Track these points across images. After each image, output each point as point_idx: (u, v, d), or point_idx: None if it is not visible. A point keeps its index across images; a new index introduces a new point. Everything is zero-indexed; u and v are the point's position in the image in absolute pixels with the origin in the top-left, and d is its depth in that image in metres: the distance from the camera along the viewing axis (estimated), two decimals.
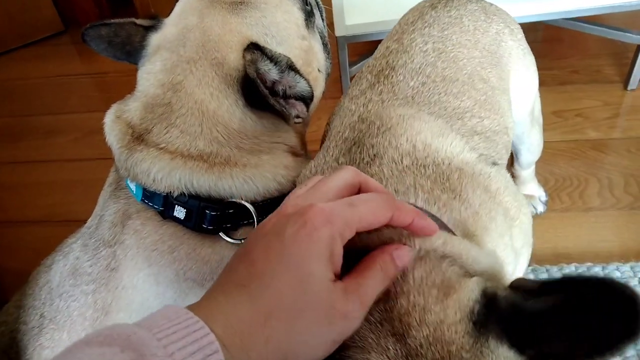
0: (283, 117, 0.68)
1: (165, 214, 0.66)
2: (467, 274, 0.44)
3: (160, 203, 0.66)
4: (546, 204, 1.23)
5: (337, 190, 0.43)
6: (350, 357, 0.41)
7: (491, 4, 0.91)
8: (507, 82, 0.86)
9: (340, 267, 0.40)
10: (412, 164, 0.58)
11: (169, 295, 0.67)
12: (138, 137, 0.67)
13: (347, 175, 0.45)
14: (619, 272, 1.05)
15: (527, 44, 0.93)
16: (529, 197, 1.24)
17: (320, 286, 0.38)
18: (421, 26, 0.79)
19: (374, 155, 0.59)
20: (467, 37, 0.79)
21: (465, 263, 0.46)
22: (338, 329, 0.39)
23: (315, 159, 0.67)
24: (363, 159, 0.60)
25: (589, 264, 1.07)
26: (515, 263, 0.68)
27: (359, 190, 0.45)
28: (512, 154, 1.11)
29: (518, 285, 0.42)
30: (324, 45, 0.80)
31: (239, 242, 0.67)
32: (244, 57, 0.64)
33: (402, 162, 0.58)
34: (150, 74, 0.69)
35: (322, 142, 0.76)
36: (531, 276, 1.06)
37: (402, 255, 0.42)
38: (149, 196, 0.67)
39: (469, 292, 0.41)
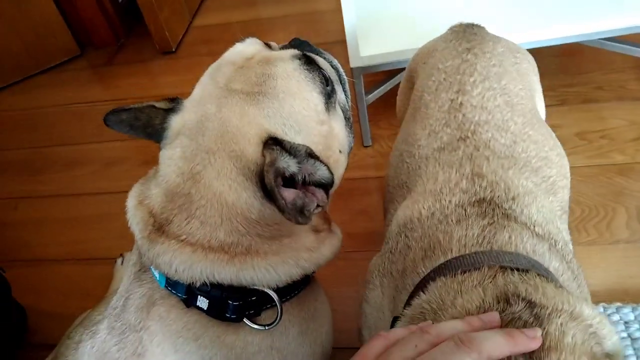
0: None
1: (189, 302, 0.66)
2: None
3: (183, 291, 0.66)
4: None
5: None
6: None
7: (507, 40, 0.92)
8: None
9: None
10: (543, 232, 0.61)
11: None
12: (159, 228, 0.67)
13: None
14: None
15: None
16: None
17: None
18: (480, 79, 0.78)
19: (508, 215, 0.61)
20: (519, 86, 0.80)
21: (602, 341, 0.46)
22: None
23: (423, 199, 0.68)
24: (497, 215, 0.61)
25: (618, 304, 1.05)
26: None
27: None
28: None
29: None
30: (346, 119, 0.78)
31: (262, 328, 0.66)
32: (263, 155, 0.63)
33: (534, 229, 0.61)
34: (171, 159, 0.68)
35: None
36: None
37: None
38: (172, 284, 0.67)
39: None
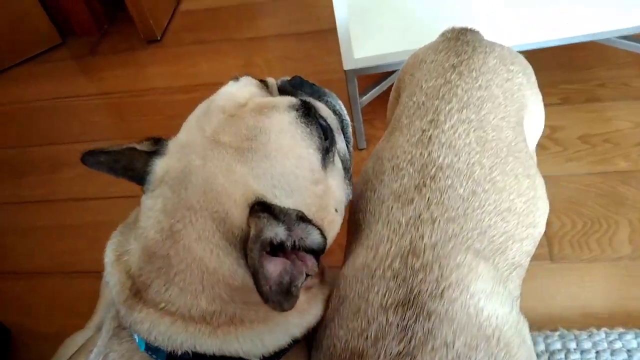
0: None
1: None
2: None
3: (164, 357, 0.62)
4: None
5: None
6: None
7: (502, 47, 0.86)
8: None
9: None
10: (464, 345, 0.56)
11: None
12: (137, 294, 0.62)
13: None
14: None
15: (536, 81, 0.90)
16: None
17: None
18: (458, 107, 0.73)
19: (428, 331, 0.56)
20: (501, 115, 0.75)
21: None
22: None
23: (355, 274, 0.63)
24: (417, 332, 0.56)
25: (620, 329, 1.02)
26: None
27: None
28: None
29: None
30: (346, 170, 0.72)
31: None
32: (248, 223, 0.57)
33: (454, 346, 0.55)
34: (152, 211, 0.63)
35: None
36: (558, 344, 1.01)
37: None
38: (152, 349, 0.63)
39: None
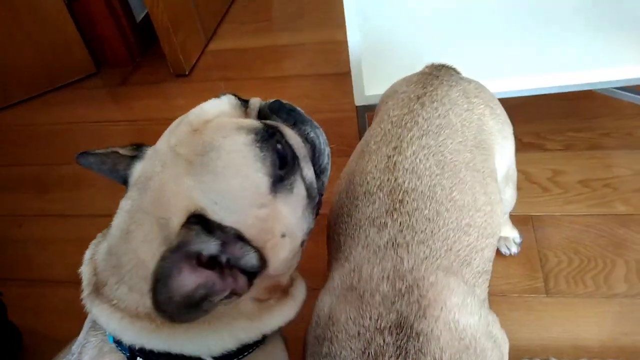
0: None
1: None
2: None
3: (127, 350, 0.65)
4: (519, 245, 1.26)
5: None
6: None
7: (470, 82, 0.94)
8: (493, 164, 0.89)
9: None
10: (450, 359, 0.61)
11: None
12: (97, 289, 0.66)
13: None
14: None
15: (505, 114, 0.96)
16: (504, 239, 1.26)
17: None
18: (418, 134, 0.80)
19: (419, 349, 0.61)
20: (458, 139, 0.82)
21: None
22: None
23: (345, 298, 0.68)
24: (410, 351, 0.61)
25: None
26: None
27: None
28: None
29: None
30: (310, 199, 0.72)
31: None
32: (179, 234, 0.58)
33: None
34: (122, 210, 0.67)
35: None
36: None
37: None
38: (117, 341, 0.66)
39: None
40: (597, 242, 1.26)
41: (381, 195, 0.75)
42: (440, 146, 0.79)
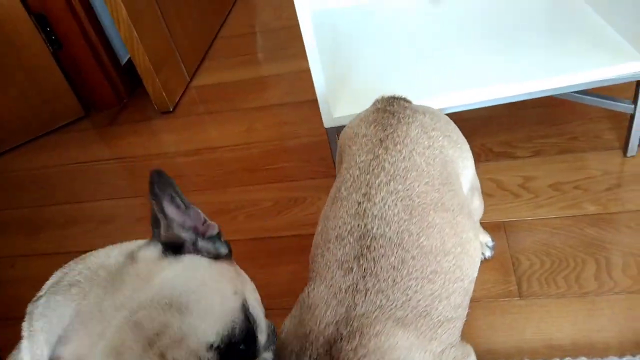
0: None
1: None
2: None
3: None
4: (493, 248, 1.28)
5: None
6: None
7: (424, 113, 0.95)
8: (463, 196, 0.90)
9: None
10: None
11: None
12: None
13: None
14: None
15: (459, 135, 0.98)
16: None
17: None
18: (386, 180, 0.82)
19: None
20: (425, 180, 0.83)
21: None
22: None
23: (290, 337, 0.71)
24: None
25: (583, 358, 1.05)
26: None
27: None
28: None
29: None
30: None
31: None
32: None
33: None
34: None
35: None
36: None
37: None
38: None
39: None
40: (567, 243, 1.28)
41: (351, 240, 0.77)
42: (407, 190, 0.80)
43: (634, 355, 1.03)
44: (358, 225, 0.78)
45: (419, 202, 0.80)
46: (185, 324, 0.56)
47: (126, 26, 2.03)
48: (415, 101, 1.04)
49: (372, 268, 0.73)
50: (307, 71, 1.34)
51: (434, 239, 0.77)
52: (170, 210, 0.67)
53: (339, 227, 0.80)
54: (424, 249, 0.75)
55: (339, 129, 1.41)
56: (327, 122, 1.39)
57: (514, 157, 1.55)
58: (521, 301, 1.19)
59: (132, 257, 0.63)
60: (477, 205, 1.11)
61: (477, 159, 1.57)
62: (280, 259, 1.45)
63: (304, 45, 1.27)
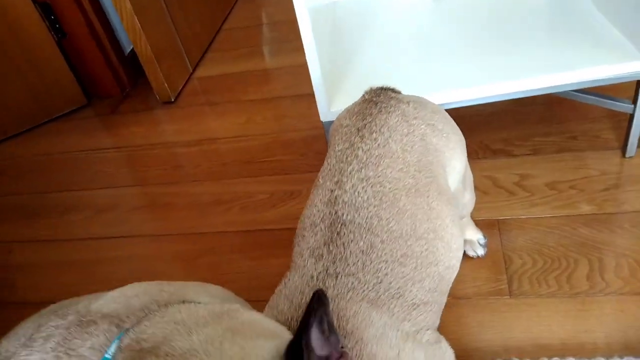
0: None
1: None
2: None
3: None
4: (485, 246, 1.28)
5: None
6: None
7: (409, 102, 0.93)
8: (444, 183, 0.89)
9: None
10: None
11: None
12: None
13: None
14: None
15: (449, 124, 0.96)
16: (469, 242, 1.27)
17: None
18: (358, 167, 0.82)
19: None
20: (399, 166, 0.82)
21: None
22: None
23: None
24: None
25: (571, 358, 1.04)
26: None
27: None
28: None
29: None
30: None
31: None
32: None
33: None
34: None
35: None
36: None
37: None
38: None
39: None
40: (560, 243, 1.27)
41: (323, 227, 0.77)
42: (379, 177, 0.81)
43: (621, 357, 1.03)
44: (329, 212, 0.78)
45: (390, 188, 0.80)
46: None
47: (129, 15, 2.03)
48: None
49: (342, 253, 0.73)
50: (306, 65, 1.33)
51: (404, 224, 0.78)
52: (314, 335, 0.60)
53: (313, 215, 0.81)
54: (393, 234, 0.76)
55: None
56: (324, 116, 1.39)
57: (512, 155, 1.54)
58: (511, 300, 1.18)
59: None
60: (468, 198, 1.10)
61: (475, 156, 1.56)
62: (273, 251, 1.45)
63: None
